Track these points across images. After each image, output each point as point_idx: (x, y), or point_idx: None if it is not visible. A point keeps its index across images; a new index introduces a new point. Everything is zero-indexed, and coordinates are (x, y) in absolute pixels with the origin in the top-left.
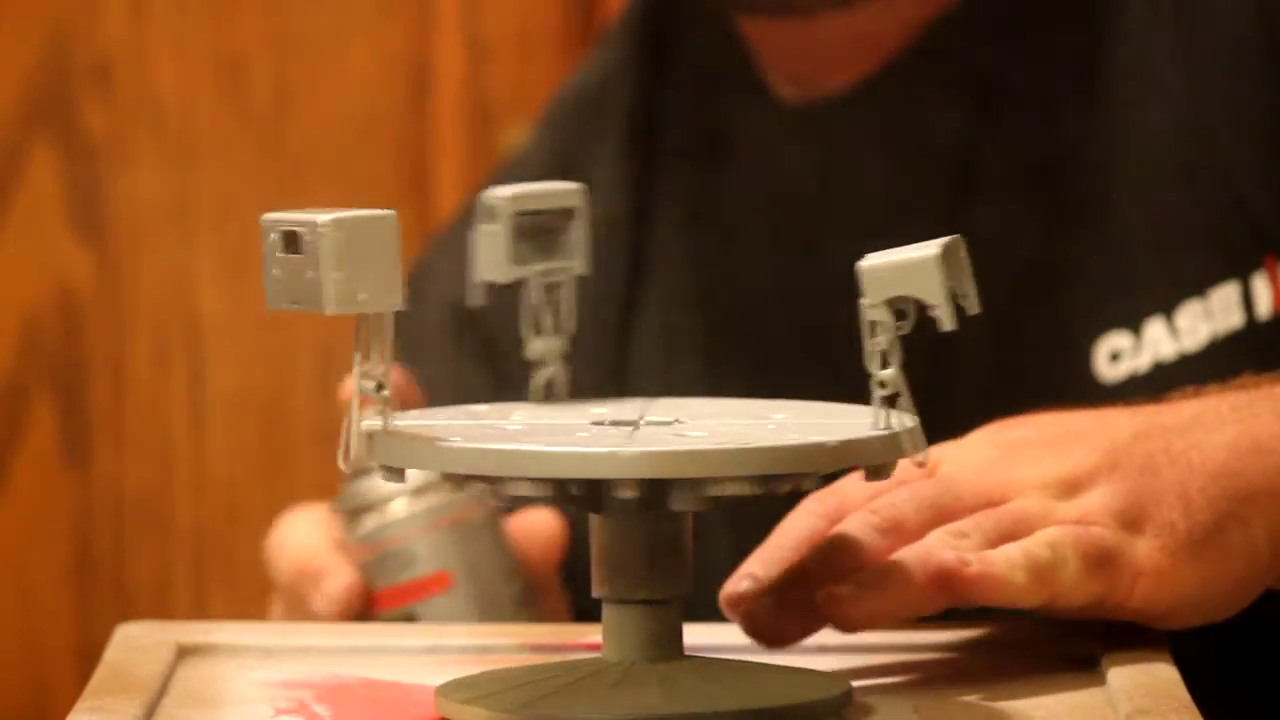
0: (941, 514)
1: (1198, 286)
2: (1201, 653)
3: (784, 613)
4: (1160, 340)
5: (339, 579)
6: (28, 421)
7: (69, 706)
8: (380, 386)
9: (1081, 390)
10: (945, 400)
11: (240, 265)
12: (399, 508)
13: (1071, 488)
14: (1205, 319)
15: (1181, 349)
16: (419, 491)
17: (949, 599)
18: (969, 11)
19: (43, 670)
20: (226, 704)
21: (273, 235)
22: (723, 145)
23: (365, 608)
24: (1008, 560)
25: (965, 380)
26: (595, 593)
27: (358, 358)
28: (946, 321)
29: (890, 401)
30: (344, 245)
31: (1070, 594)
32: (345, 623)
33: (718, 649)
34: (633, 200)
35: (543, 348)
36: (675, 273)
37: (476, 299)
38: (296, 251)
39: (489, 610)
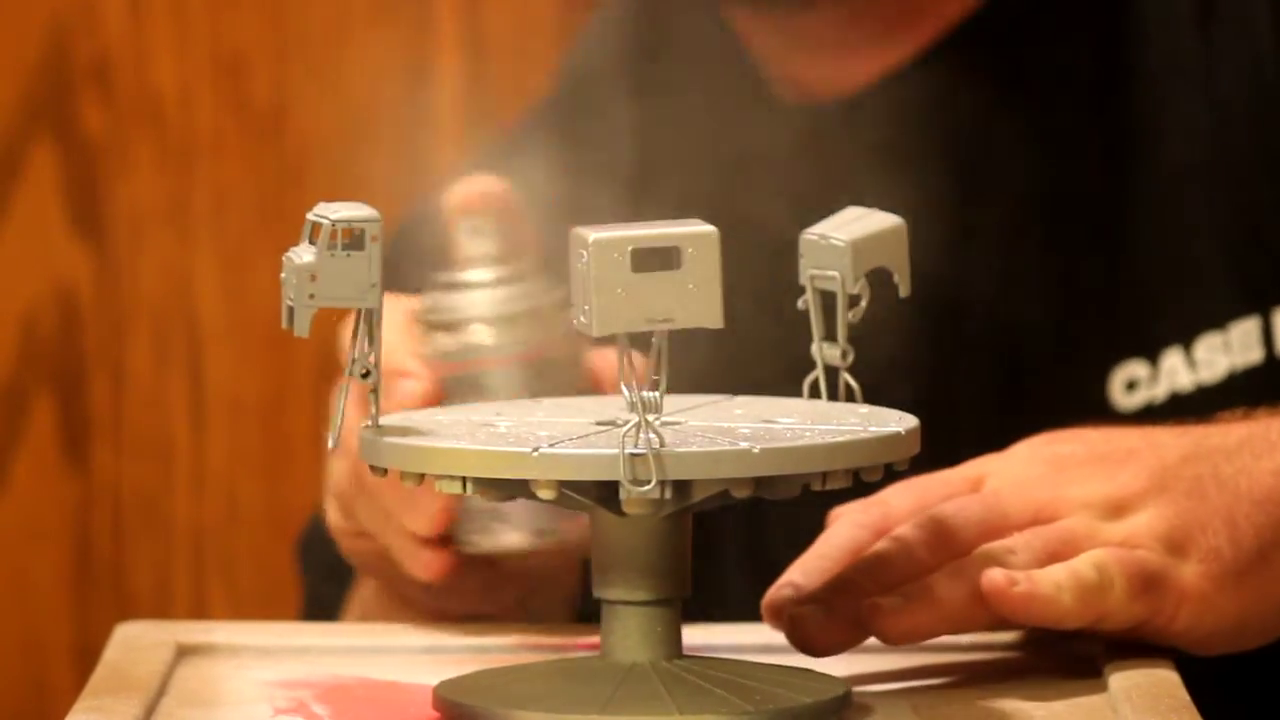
0: (988, 531)
1: (1217, 319)
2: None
3: (831, 622)
4: (1178, 371)
5: (418, 384)
6: (27, 421)
7: (68, 706)
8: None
9: (1096, 418)
10: (954, 422)
11: (240, 264)
12: (482, 333)
13: (1119, 509)
14: (1224, 352)
15: (1199, 381)
16: (507, 320)
17: (993, 617)
18: (978, 26)
19: (42, 670)
20: (225, 704)
21: (616, 255)
22: (722, 143)
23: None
24: (1054, 581)
25: (976, 402)
26: (595, 593)
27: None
28: (906, 289)
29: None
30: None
31: (1115, 616)
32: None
33: (717, 649)
34: (634, 194)
35: None
36: None
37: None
38: (674, 266)
39: None
